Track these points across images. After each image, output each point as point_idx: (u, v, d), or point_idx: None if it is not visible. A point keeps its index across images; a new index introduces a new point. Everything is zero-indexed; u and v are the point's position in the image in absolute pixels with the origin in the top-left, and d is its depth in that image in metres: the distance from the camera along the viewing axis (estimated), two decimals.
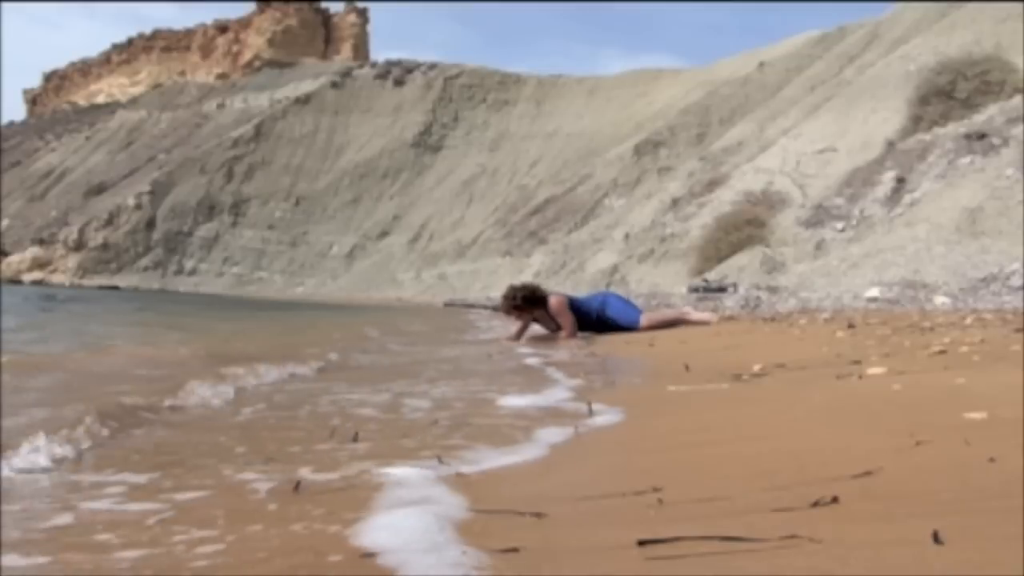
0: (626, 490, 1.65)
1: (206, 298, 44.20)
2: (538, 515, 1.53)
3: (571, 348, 6.92)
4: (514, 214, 75.17)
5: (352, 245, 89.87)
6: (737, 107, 61.84)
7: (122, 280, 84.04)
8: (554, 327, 7.97)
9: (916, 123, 19.73)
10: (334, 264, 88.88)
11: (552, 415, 2.89)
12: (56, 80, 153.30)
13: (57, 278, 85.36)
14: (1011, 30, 24.08)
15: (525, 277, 45.86)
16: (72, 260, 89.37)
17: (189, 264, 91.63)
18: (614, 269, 29.52)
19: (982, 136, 14.69)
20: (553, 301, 7.95)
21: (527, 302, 7.97)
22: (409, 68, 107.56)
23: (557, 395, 3.50)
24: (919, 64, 24.87)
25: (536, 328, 8.13)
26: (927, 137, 17.04)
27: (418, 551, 1.31)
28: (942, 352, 3.56)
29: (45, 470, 2.09)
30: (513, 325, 8.15)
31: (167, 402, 3.21)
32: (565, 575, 1.24)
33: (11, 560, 1.39)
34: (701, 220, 25.50)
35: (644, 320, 7.96)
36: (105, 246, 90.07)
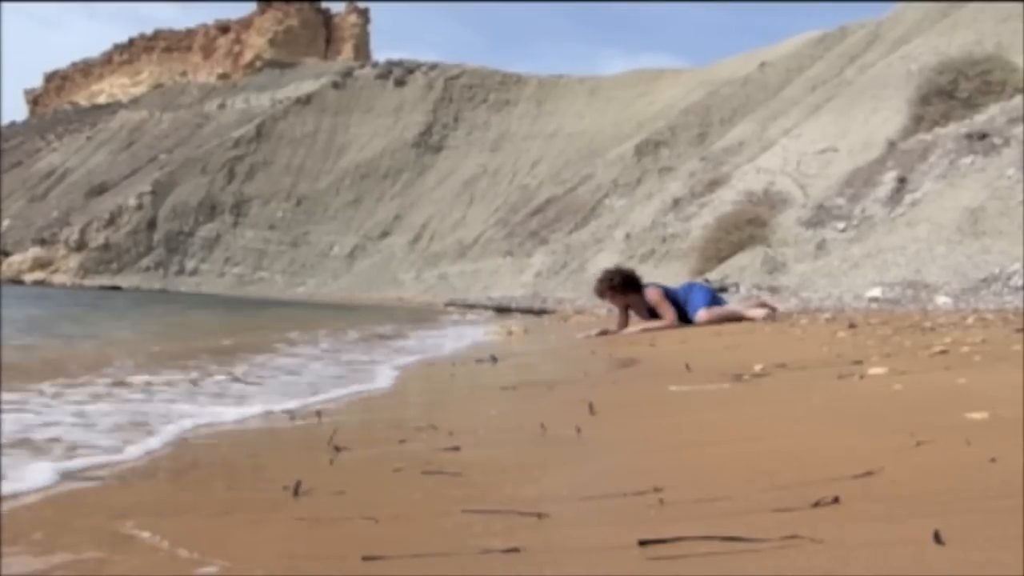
0: (627, 490, 1.65)
1: (231, 299, 44.11)
2: (539, 515, 1.53)
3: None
4: (515, 214, 75.17)
5: (353, 245, 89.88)
6: (738, 107, 61.81)
7: (123, 280, 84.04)
8: (647, 316, 7.95)
9: (917, 123, 19.71)
10: (335, 264, 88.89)
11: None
12: (57, 80, 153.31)
13: (58, 278, 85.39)
14: (1012, 30, 24.08)
15: (526, 277, 45.87)
16: (73, 260, 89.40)
17: (190, 264, 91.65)
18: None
19: (983, 136, 14.68)
20: (651, 292, 7.91)
21: (624, 286, 7.99)
22: (410, 68, 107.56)
23: None
24: (920, 64, 24.86)
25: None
26: (928, 137, 17.03)
27: None
28: (943, 352, 3.55)
29: None
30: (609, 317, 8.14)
31: None
32: (566, 575, 1.24)
33: None
34: (702, 220, 25.50)
35: (701, 315, 7.76)
36: (106, 246, 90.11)
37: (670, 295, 8.01)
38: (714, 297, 8.28)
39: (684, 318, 7.82)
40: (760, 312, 7.91)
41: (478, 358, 5.99)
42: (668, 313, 7.78)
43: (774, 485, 1.56)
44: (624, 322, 7.93)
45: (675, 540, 1.25)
